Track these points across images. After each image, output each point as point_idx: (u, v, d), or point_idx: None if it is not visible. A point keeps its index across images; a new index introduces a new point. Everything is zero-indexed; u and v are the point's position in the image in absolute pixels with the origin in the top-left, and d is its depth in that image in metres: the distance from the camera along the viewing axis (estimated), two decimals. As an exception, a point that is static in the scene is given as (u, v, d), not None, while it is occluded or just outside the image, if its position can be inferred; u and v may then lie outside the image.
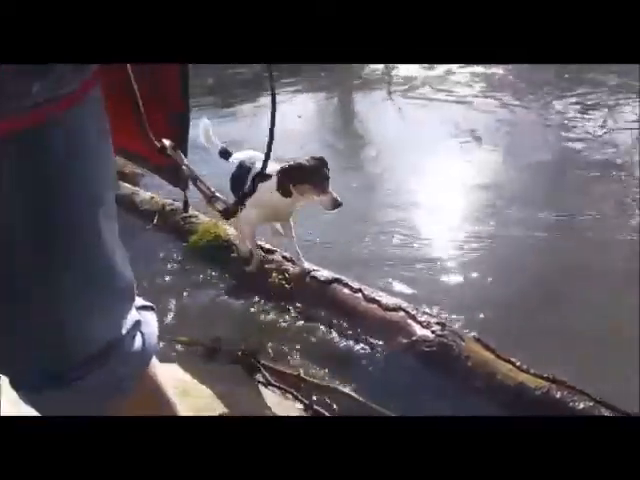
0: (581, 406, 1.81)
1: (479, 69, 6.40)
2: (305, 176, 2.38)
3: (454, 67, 6.63)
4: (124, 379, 0.89)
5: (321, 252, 3.11)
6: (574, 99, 5.21)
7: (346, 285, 2.58)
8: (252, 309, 2.74)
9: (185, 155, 0.99)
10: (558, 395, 1.88)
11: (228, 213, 1.02)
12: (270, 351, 2.47)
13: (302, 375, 2.27)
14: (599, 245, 3.06)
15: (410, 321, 2.31)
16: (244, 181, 2.50)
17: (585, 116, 4.83)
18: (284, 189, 2.45)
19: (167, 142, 0.91)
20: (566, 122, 4.77)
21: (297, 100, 6.45)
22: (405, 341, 2.21)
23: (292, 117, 5.82)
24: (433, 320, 2.31)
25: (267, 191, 2.42)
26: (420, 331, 2.24)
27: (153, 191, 3.63)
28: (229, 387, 2.25)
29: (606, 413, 1.78)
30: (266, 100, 6.50)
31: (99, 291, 0.83)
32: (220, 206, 1.01)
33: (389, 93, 6.31)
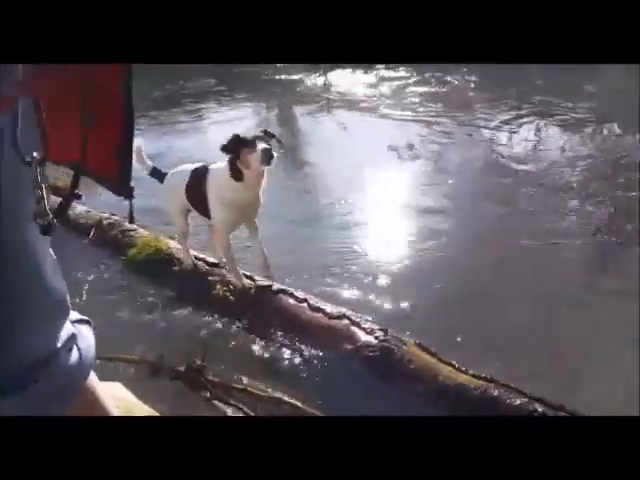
0: (517, 402, 1.91)
1: (417, 88, 6.66)
2: (239, 143, 2.39)
3: (391, 83, 6.88)
4: (62, 392, 0.88)
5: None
6: (508, 116, 5.49)
7: (291, 295, 2.60)
8: (196, 322, 2.70)
9: (128, 170, 0.99)
10: (495, 393, 1.98)
11: (47, 228, 0.85)
12: (215, 365, 2.44)
13: (248, 388, 2.26)
14: (532, 254, 3.23)
15: (354, 328, 2.36)
16: (201, 187, 2.54)
17: (518, 134, 5.09)
18: (234, 169, 2.42)
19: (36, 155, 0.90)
20: (500, 138, 5.01)
21: (235, 113, 6.48)
22: (350, 347, 2.26)
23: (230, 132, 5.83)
24: (376, 327, 2.36)
25: (225, 184, 2.45)
26: (364, 337, 2.29)
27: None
28: (172, 405, 2.20)
29: (539, 408, 1.88)
30: (214, 114, 6.51)
31: (32, 305, 0.82)
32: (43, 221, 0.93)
33: (328, 109, 6.44)
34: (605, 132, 4.86)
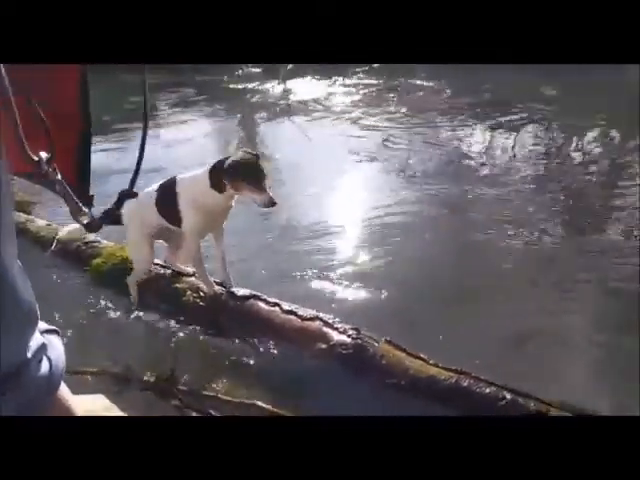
0: (487, 391, 1.99)
1: (376, 92, 6.79)
2: (240, 171, 2.30)
3: (350, 88, 6.99)
4: (33, 403, 0.88)
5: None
6: (462, 118, 5.67)
7: (263, 300, 2.62)
8: (165, 331, 2.68)
9: (87, 177, 0.99)
10: (465, 383, 2.05)
11: (92, 227, 1.04)
12: (186, 373, 2.42)
13: (220, 396, 2.26)
14: (500, 252, 3.36)
15: (327, 329, 2.40)
16: (171, 197, 2.51)
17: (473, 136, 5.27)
18: (217, 183, 2.37)
19: (43, 155, 0.91)
20: (459, 140, 5.17)
21: (198, 123, 6.45)
22: (324, 346, 2.29)
23: (195, 140, 5.82)
24: (348, 326, 2.40)
25: (200, 191, 2.42)
26: (337, 337, 2.33)
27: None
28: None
29: (508, 395, 1.96)
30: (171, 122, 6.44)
31: (2, 316, 0.81)
32: (85, 220, 1.02)
33: (289, 115, 6.50)
34: (562, 132, 5.08)
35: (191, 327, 2.67)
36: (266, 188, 2.28)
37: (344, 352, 2.24)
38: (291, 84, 7.56)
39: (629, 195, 3.91)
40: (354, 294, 3.00)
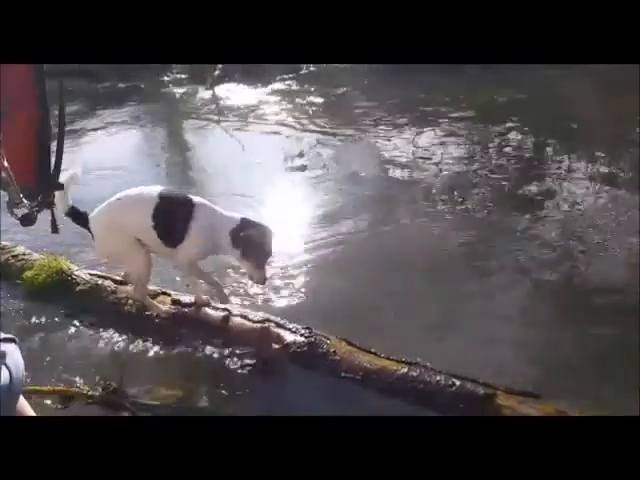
0: (437, 378, 2.12)
1: (306, 98, 6.87)
2: (258, 248, 2.40)
3: (278, 95, 7.04)
4: None
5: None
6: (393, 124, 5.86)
7: (211, 306, 2.61)
8: (110, 342, 2.59)
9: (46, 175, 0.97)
10: (416, 373, 2.16)
11: (28, 220, 1.04)
12: (134, 384, 2.36)
13: (169, 403, 2.22)
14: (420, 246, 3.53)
15: (279, 329, 2.44)
16: (183, 217, 2.40)
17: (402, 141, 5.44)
18: (235, 242, 2.41)
19: None
20: (387, 145, 5.33)
21: (126, 131, 6.25)
22: (277, 347, 2.32)
23: (121, 148, 5.64)
24: (300, 326, 2.45)
25: (219, 234, 2.41)
26: (290, 336, 2.38)
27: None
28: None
29: (456, 382, 2.09)
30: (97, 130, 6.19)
31: None
32: (21, 213, 1.02)
33: (218, 121, 6.44)
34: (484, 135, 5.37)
35: (137, 336, 2.60)
36: (264, 266, 2.45)
37: (299, 350, 2.28)
38: (219, 90, 7.50)
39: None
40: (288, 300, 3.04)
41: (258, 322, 2.48)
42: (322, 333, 2.43)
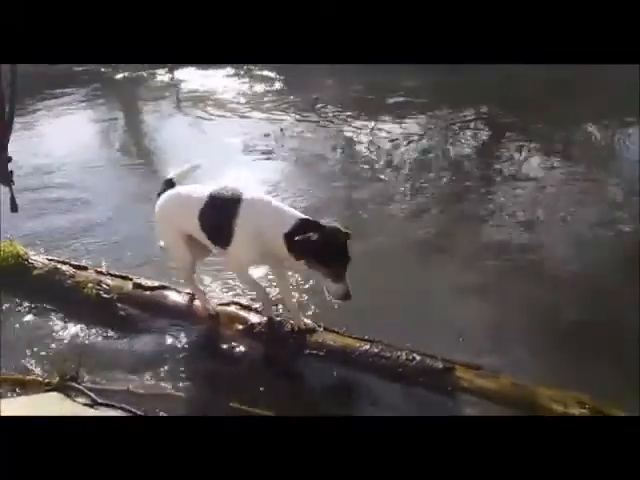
0: (398, 354, 2.18)
1: (262, 87, 6.78)
2: (324, 256, 1.96)
3: (242, 80, 6.92)
4: None
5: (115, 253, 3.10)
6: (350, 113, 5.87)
7: (173, 289, 2.60)
8: (66, 328, 2.53)
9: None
10: (377, 350, 2.21)
11: None
12: (93, 370, 2.33)
13: (131, 389, 2.21)
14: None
15: (243, 312, 2.45)
16: (227, 216, 2.13)
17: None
18: (292, 249, 2.02)
19: None
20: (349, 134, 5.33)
21: (79, 115, 6.06)
22: (242, 327, 2.33)
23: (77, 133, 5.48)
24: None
25: (271, 236, 2.05)
26: (254, 317, 2.40)
27: None
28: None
29: (417, 357, 2.16)
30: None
31: None
32: None
33: (178, 106, 6.31)
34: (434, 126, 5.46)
35: (95, 322, 2.55)
36: (345, 277, 1.98)
37: (263, 329, 2.30)
38: (179, 74, 7.32)
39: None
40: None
41: (222, 305, 2.49)
42: (286, 313, 2.47)
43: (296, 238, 1.95)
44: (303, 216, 2.06)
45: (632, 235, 3.37)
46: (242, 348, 2.29)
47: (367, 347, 2.22)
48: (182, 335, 2.42)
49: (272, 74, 7.06)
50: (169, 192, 2.38)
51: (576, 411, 1.81)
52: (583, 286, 2.93)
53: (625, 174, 4.25)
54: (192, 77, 7.23)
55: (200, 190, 2.29)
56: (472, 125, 5.33)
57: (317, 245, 1.93)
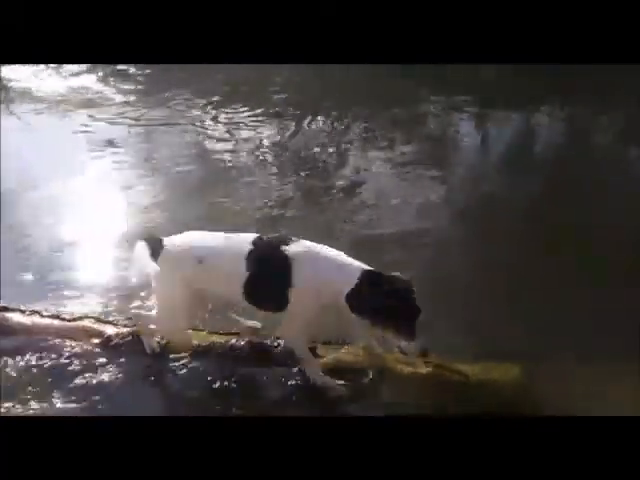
0: (265, 341, 2.22)
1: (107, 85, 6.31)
2: (391, 316, 1.73)
3: (75, 78, 6.36)
4: None
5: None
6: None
7: (17, 310, 2.40)
8: None
9: None
10: (242, 343, 2.23)
11: None
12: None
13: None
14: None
15: (98, 325, 2.34)
16: (278, 276, 1.82)
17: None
18: (355, 307, 1.76)
19: None
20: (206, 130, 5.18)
21: None
22: (98, 341, 2.23)
23: None
24: (120, 318, 2.41)
25: (331, 293, 1.78)
26: (111, 330, 2.30)
27: None
28: None
29: (282, 342, 2.20)
30: None
31: None
32: None
33: (6, 104, 5.69)
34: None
35: None
36: (415, 331, 1.74)
37: (121, 341, 2.22)
38: (7, 71, 6.55)
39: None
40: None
41: (74, 320, 2.36)
42: (144, 317, 2.38)
43: (359, 285, 1.72)
44: (365, 266, 1.81)
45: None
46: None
47: (234, 339, 2.23)
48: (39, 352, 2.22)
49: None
50: (188, 239, 2.01)
51: (423, 370, 1.99)
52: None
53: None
54: (25, 74, 6.53)
55: (237, 247, 1.92)
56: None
57: (381, 300, 1.70)
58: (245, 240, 1.92)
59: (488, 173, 4.44)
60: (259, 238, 1.93)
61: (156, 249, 1.96)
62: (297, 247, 1.85)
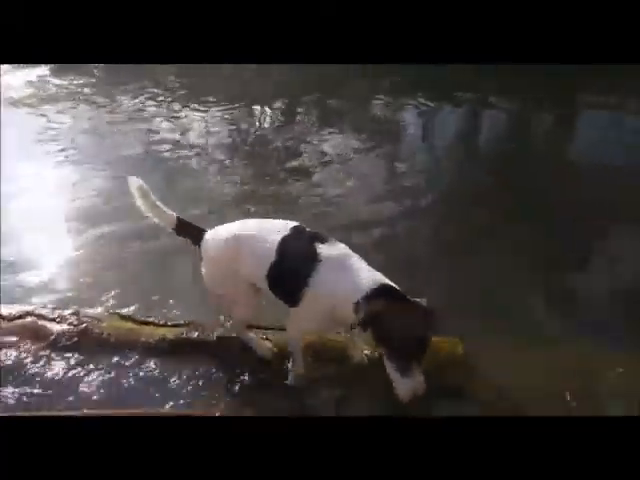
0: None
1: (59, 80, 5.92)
2: (393, 333, 1.58)
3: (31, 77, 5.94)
4: None
5: None
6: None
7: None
8: None
9: None
10: (196, 333, 2.24)
11: None
12: None
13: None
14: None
15: (42, 322, 2.24)
16: (297, 271, 1.76)
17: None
18: (362, 326, 1.63)
19: None
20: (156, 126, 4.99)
21: None
22: (44, 343, 2.13)
23: None
24: (66, 312, 2.29)
25: (343, 299, 1.67)
26: (57, 327, 2.21)
27: None
28: None
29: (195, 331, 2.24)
30: None
31: None
32: None
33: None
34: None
35: None
36: (418, 369, 1.56)
37: (69, 343, 2.14)
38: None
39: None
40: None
41: (15, 318, 2.25)
42: (94, 314, 2.33)
43: (367, 308, 1.60)
44: (385, 280, 1.69)
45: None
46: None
47: (183, 332, 2.22)
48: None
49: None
50: (231, 228, 1.99)
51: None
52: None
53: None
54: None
55: (271, 234, 1.87)
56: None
57: (387, 318, 1.57)
58: (284, 226, 1.90)
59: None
60: (297, 227, 1.90)
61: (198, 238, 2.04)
62: (330, 249, 1.78)
